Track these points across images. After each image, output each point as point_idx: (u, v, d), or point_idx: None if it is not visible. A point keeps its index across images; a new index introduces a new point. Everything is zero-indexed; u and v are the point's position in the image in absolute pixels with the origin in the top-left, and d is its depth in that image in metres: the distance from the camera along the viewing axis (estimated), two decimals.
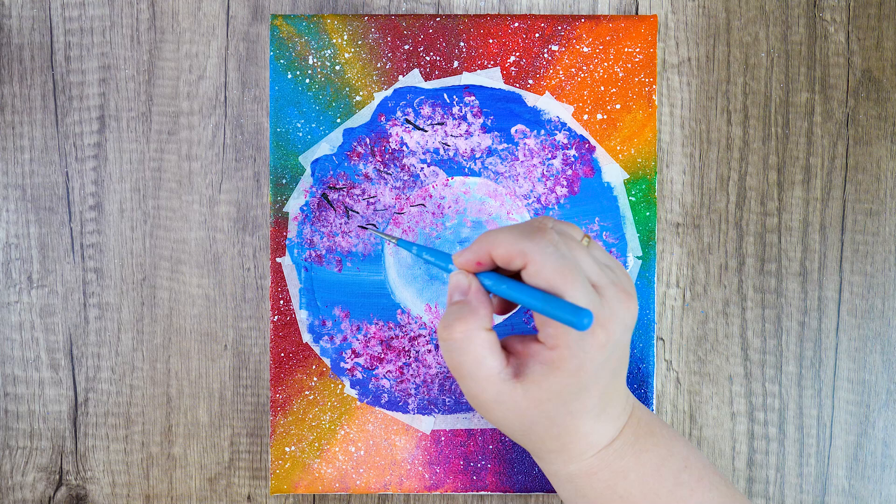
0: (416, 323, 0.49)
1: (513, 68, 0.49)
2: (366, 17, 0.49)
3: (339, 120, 0.49)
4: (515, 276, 0.39)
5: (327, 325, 0.49)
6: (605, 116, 0.49)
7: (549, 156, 0.49)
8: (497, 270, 0.39)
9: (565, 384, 0.37)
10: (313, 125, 0.49)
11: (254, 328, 0.50)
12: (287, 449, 0.49)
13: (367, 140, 0.49)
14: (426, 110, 0.49)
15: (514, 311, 0.40)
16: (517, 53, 0.49)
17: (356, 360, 0.49)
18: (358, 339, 0.49)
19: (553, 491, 0.49)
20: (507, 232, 0.37)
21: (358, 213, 0.49)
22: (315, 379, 0.49)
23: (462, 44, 0.49)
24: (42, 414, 0.50)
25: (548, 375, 0.37)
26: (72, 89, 0.50)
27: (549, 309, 0.35)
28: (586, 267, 0.38)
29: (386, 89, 0.49)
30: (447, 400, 0.49)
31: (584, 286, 0.36)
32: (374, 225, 0.48)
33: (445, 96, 0.49)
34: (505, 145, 0.49)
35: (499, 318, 0.48)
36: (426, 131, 0.49)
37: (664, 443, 0.40)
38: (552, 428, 0.38)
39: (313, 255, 0.49)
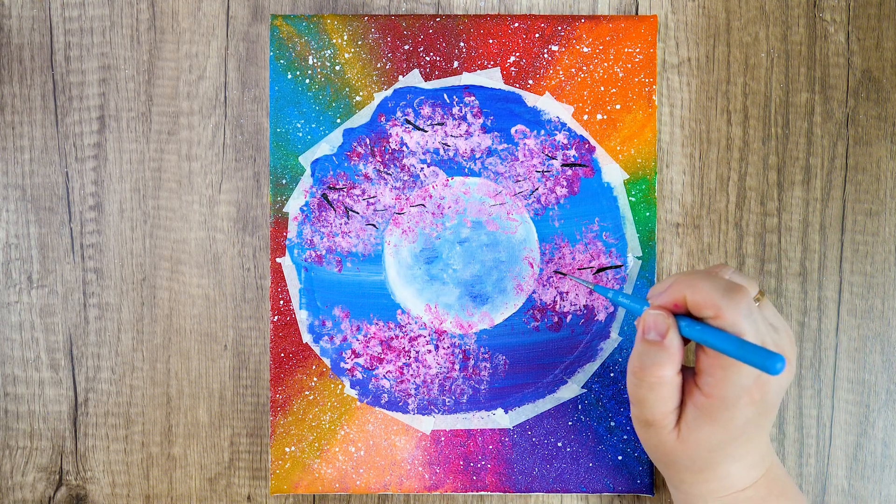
0: (416, 323, 0.49)
1: (513, 68, 0.49)
2: (366, 18, 0.49)
3: (339, 120, 0.49)
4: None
5: (327, 326, 0.49)
6: (605, 116, 0.49)
7: (549, 156, 0.49)
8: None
9: (713, 433, 0.40)
10: (313, 125, 0.49)
11: (254, 328, 0.50)
12: (287, 449, 0.49)
13: (367, 140, 0.49)
14: (426, 110, 0.49)
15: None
16: (517, 53, 0.49)
17: (356, 360, 0.49)
18: (358, 340, 0.49)
19: (553, 491, 0.49)
20: (705, 282, 0.39)
21: (358, 213, 0.49)
22: (315, 379, 0.49)
23: (462, 44, 0.49)
24: (42, 414, 0.50)
25: (699, 421, 0.40)
26: (72, 89, 0.50)
27: (742, 352, 0.37)
28: (758, 325, 0.39)
29: (386, 89, 0.49)
30: (447, 400, 0.49)
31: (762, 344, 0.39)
32: (563, 274, 0.49)
33: (445, 96, 0.49)
34: (505, 145, 0.49)
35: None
36: (426, 131, 0.49)
37: None
38: (692, 467, 0.41)
39: (313, 255, 0.49)
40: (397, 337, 0.49)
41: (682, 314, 0.40)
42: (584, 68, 0.49)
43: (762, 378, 0.39)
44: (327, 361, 0.49)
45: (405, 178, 0.49)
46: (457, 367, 0.49)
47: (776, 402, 0.40)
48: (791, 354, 0.41)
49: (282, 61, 0.49)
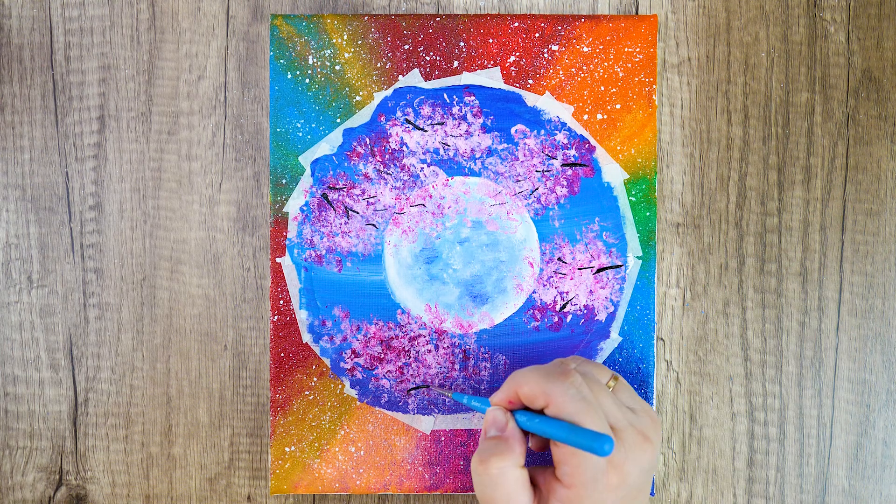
0: (415, 323, 0.49)
1: (513, 68, 0.49)
2: (366, 17, 0.49)
3: (339, 120, 0.49)
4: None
5: (327, 325, 0.49)
6: (605, 116, 0.49)
7: (549, 155, 0.49)
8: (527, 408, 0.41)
9: None
10: (313, 125, 0.49)
11: (254, 328, 0.50)
12: (287, 449, 0.49)
13: (367, 140, 0.49)
14: (426, 110, 0.49)
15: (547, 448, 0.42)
16: (517, 53, 0.49)
17: (356, 360, 0.49)
18: (358, 339, 0.49)
19: None
20: (534, 373, 0.39)
21: (358, 213, 0.49)
22: (315, 379, 0.49)
23: (462, 44, 0.49)
24: (42, 414, 0.50)
25: None
26: (72, 89, 0.50)
27: (572, 437, 0.37)
28: (605, 408, 0.39)
29: (386, 89, 0.49)
30: (447, 400, 0.49)
31: (601, 424, 0.38)
32: (428, 386, 0.49)
33: (445, 96, 0.49)
34: (505, 145, 0.49)
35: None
36: (426, 131, 0.49)
37: None
38: None
39: (313, 255, 0.49)
40: (397, 337, 0.49)
41: (522, 409, 0.40)
42: (585, 68, 0.49)
43: (614, 461, 0.38)
44: (327, 361, 0.49)
45: (405, 177, 0.49)
46: (457, 366, 0.49)
47: (641, 485, 0.39)
48: (654, 434, 0.40)
49: (282, 61, 0.49)
